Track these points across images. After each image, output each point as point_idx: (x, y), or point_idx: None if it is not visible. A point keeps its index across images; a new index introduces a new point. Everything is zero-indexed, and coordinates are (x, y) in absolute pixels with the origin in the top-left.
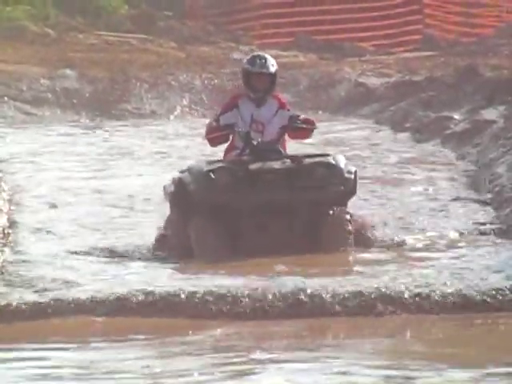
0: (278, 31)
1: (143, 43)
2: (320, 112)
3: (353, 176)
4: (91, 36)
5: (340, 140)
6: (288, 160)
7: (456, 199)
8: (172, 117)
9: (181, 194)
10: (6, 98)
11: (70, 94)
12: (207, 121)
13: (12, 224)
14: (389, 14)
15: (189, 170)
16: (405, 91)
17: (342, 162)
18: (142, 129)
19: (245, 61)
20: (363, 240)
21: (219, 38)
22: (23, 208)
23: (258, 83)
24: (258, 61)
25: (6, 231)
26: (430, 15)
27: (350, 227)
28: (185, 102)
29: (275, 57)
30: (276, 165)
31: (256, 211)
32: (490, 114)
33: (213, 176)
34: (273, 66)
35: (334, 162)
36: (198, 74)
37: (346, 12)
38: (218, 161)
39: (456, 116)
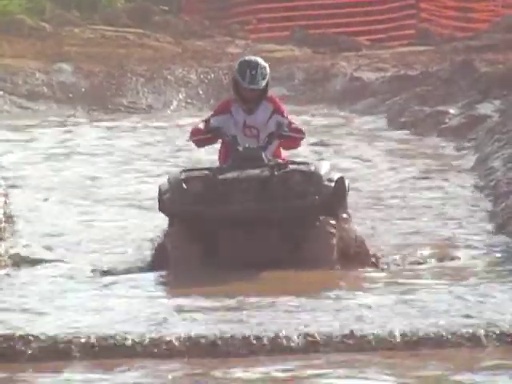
0: (273, 25)
1: (139, 37)
2: (315, 106)
3: (333, 184)
4: (87, 30)
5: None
6: (266, 168)
7: (451, 195)
8: (168, 111)
9: (159, 203)
10: (1, 92)
11: (66, 88)
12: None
13: (8, 219)
14: (384, 8)
15: (168, 178)
16: (400, 86)
17: (322, 169)
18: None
19: (236, 67)
20: (359, 258)
21: (215, 33)
22: (19, 202)
23: (248, 96)
24: (249, 73)
25: (1, 225)
26: (425, 9)
27: (332, 239)
28: (181, 97)
29: (271, 51)
30: (251, 173)
31: (229, 222)
32: (485, 108)
33: (185, 186)
34: (264, 78)
35: (312, 170)
36: (194, 69)
37: (341, 6)
38: (195, 169)
39: (451, 110)
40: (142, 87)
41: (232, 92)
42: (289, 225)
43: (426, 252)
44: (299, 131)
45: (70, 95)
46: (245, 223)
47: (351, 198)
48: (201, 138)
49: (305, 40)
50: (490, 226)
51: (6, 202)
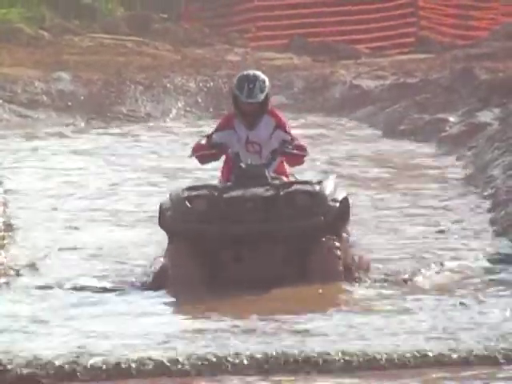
0: (272, 33)
1: (138, 45)
2: (315, 114)
3: (338, 204)
4: (86, 38)
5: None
6: (271, 187)
7: (450, 203)
8: (167, 119)
9: (161, 220)
10: (0, 101)
11: (65, 97)
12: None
13: (7, 227)
14: (384, 16)
15: (169, 195)
16: (400, 93)
17: (327, 188)
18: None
19: (234, 82)
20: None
21: (214, 41)
22: (19, 211)
23: (247, 110)
24: (247, 87)
25: (0, 233)
26: (425, 17)
27: (338, 262)
28: (180, 105)
29: (270, 59)
30: (257, 192)
31: (233, 242)
32: (485, 116)
33: (188, 204)
34: (262, 91)
35: (317, 189)
36: (194, 77)
37: (341, 14)
38: (198, 187)
39: (451, 118)
40: (140, 95)
41: (232, 107)
42: (293, 245)
43: (422, 265)
44: (303, 148)
45: (69, 103)
46: (249, 243)
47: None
48: (204, 153)
49: (304, 48)
50: (489, 234)
51: (5, 211)
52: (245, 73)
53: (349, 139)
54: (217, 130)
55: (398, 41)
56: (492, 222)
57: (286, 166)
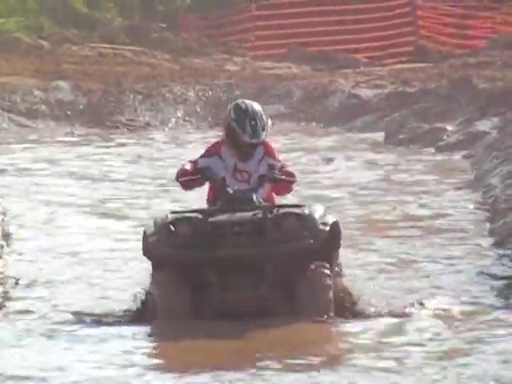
0: (271, 43)
1: (137, 55)
2: (313, 123)
3: (328, 228)
4: (85, 48)
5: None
6: (259, 210)
7: (449, 212)
8: (166, 128)
9: (145, 247)
10: None
11: (64, 106)
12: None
13: (5, 237)
14: (382, 25)
15: (154, 220)
16: (398, 102)
17: (317, 212)
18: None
19: (231, 114)
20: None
21: (213, 50)
22: (18, 221)
23: (245, 147)
24: (249, 125)
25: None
26: (423, 27)
27: (328, 291)
28: (179, 114)
29: (269, 68)
30: (243, 216)
31: (219, 267)
32: (483, 125)
33: (172, 228)
34: (263, 128)
35: (306, 213)
36: (192, 86)
37: (339, 23)
38: (184, 211)
39: (449, 127)
40: (139, 105)
41: (224, 137)
42: (281, 270)
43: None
44: (292, 175)
45: (68, 113)
46: (235, 268)
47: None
48: (190, 178)
49: (302, 57)
50: (488, 243)
51: (3, 220)
52: (242, 106)
53: (349, 148)
54: (203, 155)
55: (397, 50)
56: (491, 232)
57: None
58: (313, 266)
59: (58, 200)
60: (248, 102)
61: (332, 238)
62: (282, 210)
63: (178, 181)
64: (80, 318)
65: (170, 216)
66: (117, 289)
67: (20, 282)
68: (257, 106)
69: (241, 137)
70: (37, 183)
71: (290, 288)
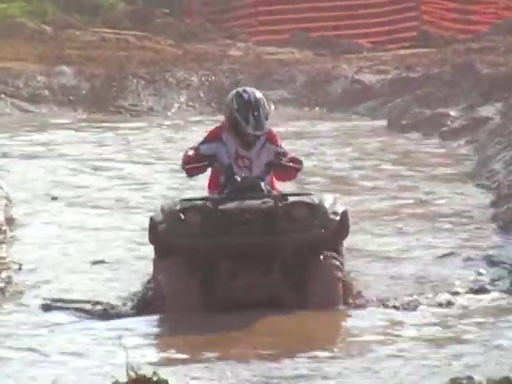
0: (274, 28)
1: (140, 40)
2: (316, 109)
3: (338, 217)
4: (88, 33)
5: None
6: (269, 199)
7: (452, 198)
8: (169, 113)
9: (153, 235)
10: (2, 95)
11: (67, 91)
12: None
13: (9, 221)
14: (386, 10)
15: (161, 207)
16: (401, 88)
17: (327, 201)
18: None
19: (234, 104)
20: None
21: (216, 35)
22: (20, 205)
23: (248, 137)
24: (252, 116)
25: (2, 228)
26: (426, 12)
27: (339, 276)
28: (182, 99)
29: (272, 53)
30: (253, 204)
31: (229, 256)
32: (486, 110)
33: (182, 216)
34: (267, 118)
35: (316, 202)
36: (195, 71)
37: (342, 9)
38: (192, 199)
39: (453, 113)
40: (142, 90)
41: (226, 125)
42: (292, 259)
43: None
44: (297, 161)
45: (71, 98)
46: (246, 257)
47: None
48: (193, 166)
49: (306, 42)
50: (491, 228)
51: (6, 205)
52: (244, 96)
53: (352, 134)
54: (204, 141)
55: (400, 35)
56: (494, 218)
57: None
58: (323, 256)
59: (63, 185)
60: (249, 90)
61: (341, 227)
62: (292, 199)
63: (183, 168)
64: (82, 307)
65: (179, 204)
66: (123, 276)
67: (23, 267)
68: (258, 94)
69: (244, 128)
70: (41, 168)
71: (300, 277)
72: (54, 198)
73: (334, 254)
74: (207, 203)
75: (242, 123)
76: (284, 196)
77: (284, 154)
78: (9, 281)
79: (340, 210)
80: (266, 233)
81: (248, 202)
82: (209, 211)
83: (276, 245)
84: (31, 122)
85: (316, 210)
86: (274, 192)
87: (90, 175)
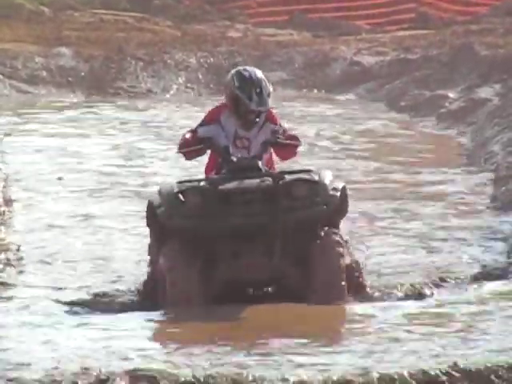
0: (273, 9)
1: (139, 22)
2: (315, 90)
3: (339, 193)
4: (87, 14)
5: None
6: (267, 178)
7: (450, 179)
8: (168, 95)
9: (151, 219)
10: (0, 77)
11: (66, 73)
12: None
13: (7, 202)
14: None
15: (159, 190)
16: (400, 69)
17: (326, 178)
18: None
19: (234, 82)
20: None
21: (215, 17)
22: (20, 186)
23: (250, 115)
24: (254, 93)
25: (1, 209)
26: None
27: (341, 252)
28: (180, 81)
29: (271, 35)
30: (253, 184)
31: (230, 236)
32: (485, 92)
33: (182, 198)
34: (268, 95)
35: (316, 179)
36: (194, 53)
37: None
38: (190, 180)
39: (451, 94)
40: (141, 71)
41: (228, 104)
42: (293, 238)
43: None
44: (295, 138)
45: (70, 79)
46: (248, 237)
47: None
48: (191, 149)
49: (304, 24)
50: (490, 210)
51: (5, 186)
52: (245, 74)
53: (350, 115)
54: (202, 124)
55: (399, 17)
56: (493, 199)
57: (275, 160)
58: (324, 233)
59: (63, 166)
60: (250, 69)
61: (342, 203)
62: (291, 177)
63: (180, 151)
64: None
65: (177, 186)
66: (124, 258)
67: (21, 248)
68: (259, 73)
69: (247, 105)
70: (40, 148)
71: (302, 257)
72: (60, 179)
73: (336, 231)
74: (206, 184)
75: (245, 101)
76: (283, 174)
77: (283, 131)
78: (7, 262)
79: (340, 185)
80: (267, 212)
81: (247, 182)
82: (208, 192)
83: (277, 224)
84: (30, 103)
85: (316, 186)
86: (274, 170)
87: (94, 155)
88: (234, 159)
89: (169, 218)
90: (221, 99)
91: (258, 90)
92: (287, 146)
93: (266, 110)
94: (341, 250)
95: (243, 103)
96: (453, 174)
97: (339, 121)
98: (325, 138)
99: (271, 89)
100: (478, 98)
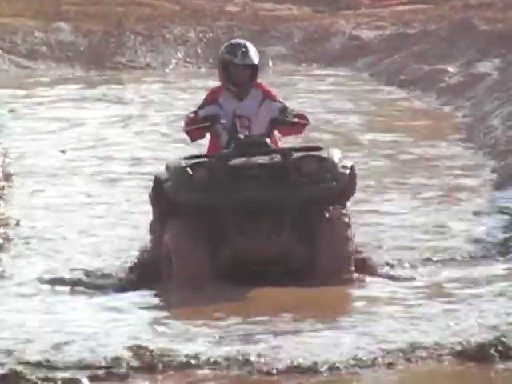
0: None
1: None
2: (314, 65)
3: (348, 171)
4: None
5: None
6: (276, 154)
7: (450, 154)
8: (167, 70)
9: (157, 194)
10: (0, 52)
11: (65, 47)
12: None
13: (7, 177)
14: None
15: (166, 165)
16: (399, 44)
17: (335, 155)
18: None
19: (222, 49)
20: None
21: None
22: (19, 162)
23: (240, 75)
24: (239, 52)
25: (1, 184)
26: None
27: (348, 230)
28: (179, 55)
29: (269, 10)
30: (261, 160)
31: (238, 212)
32: (484, 66)
33: (190, 172)
34: (255, 55)
35: (326, 156)
36: (193, 27)
37: None
38: (198, 156)
39: (450, 69)
40: (140, 46)
41: (220, 78)
42: (302, 214)
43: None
44: (304, 117)
45: (69, 54)
46: (256, 212)
47: None
48: (199, 126)
49: None
50: (489, 184)
51: (4, 161)
52: (232, 41)
53: (349, 89)
54: (202, 106)
55: None
56: (492, 173)
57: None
58: (332, 211)
59: (62, 142)
60: (241, 40)
61: (351, 181)
62: (300, 153)
63: (186, 129)
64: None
65: (185, 161)
66: (126, 236)
67: (21, 223)
68: (249, 44)
69: (232, 62)
70: (41, 123)
71: (309, 234)
72: (63, 152)
73: (344, 209)
74: (213, 159)
75: (230, 58)
76: (291, 150)
77: (292, 110)
78: (6, 237)
79: (349, 164)
80: (276, 187)
81: (256, 158)
82: (217, 167)
83: (287, 200)
84: (29, 78)
85: (326, 163)
86: (282, 147)
87: (95, 132)
88: (242, 136)
89: (176, 193)
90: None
91: (243, 50)
92: (295, 125)
93: (251, 64)
94: (348, 223)
95: (229, 63)
96: (451, 149)
97: (337, 95)
98: (325, 112)
99: (271, 63)
100: (477, 73)
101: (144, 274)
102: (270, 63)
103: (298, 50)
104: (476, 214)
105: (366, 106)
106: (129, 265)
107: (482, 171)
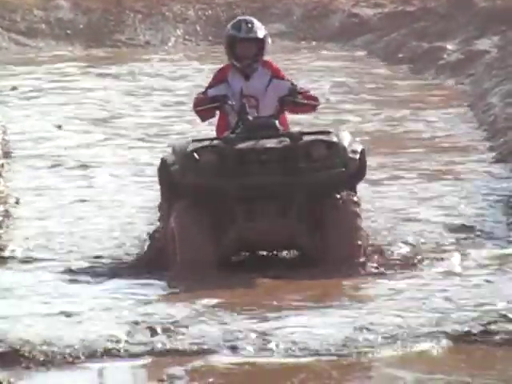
0: None
1: None
2: (313, 42)
3: (358, 156)
4: None
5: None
6: (285, 138)
7: (449, 131)
8: (166, 47)
9: (164, 177)
10: None
11: (64, 25)
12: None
13: (6, 155)
14: None
15: (173, 148)
16: (398, 22)
17: (345, 139)
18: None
19: (228, 27)
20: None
21: None
22: (18, 140)
23: (245, 50)
24: (244, 26)
25: (0, 162)
26: None
27: (357, 212)
28: (179, 33)
29: None
30: (270, 143)
31: (245, 196)
32: (483, 44)
33: (197, 156)
34: (261, 30)
35: (335, 140)
36: (192, 5)
37: None
38: (205, 139)
39: (449, 46)
40: (139, 24)
41: (227, 56)
42: (311, 199)
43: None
44: (314, 98)
45: (68, 32)
46: (263, 197)
47: None
48: (206, 107)
49: None
50: (488, 161)
51: (4, 139)
52: (240, 18)
53: (349, 67)
54: (210, 86)
55: None
56: (491, 151)
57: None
58: (342, 196)
59: (62, 119)
60: (248, 17)
61: (361, 166)
62: (310, 138)
63: (195, 109)
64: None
65: (192, 144)
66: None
67: (21, 201)
68: (256, 20)
69: (237, 36)
70: (41, 103)
71: (318, 219)
72: (58, 127)
73: (353, 193)
74: (221, 143)
75: (235, 33)
76: (301, 134)
77: (298, 90)
78: (6, 214)
79: (359, 148)
80: (285, 172)
81: (265, 141)
82: (224, 150)
83: (296, 185)
84: (29, 55)
85: (336, 148)
86: (295, 130)
87: (94, 108)
88: (250, 118)
89: (182, 176)
90: (220, 50)
91: (248, 25)
92: (305, 106)
93: (255, 38)
94: (357, 210)
95: (234, 38)
96: (450, 126)
97: (336, 73)
98: (325, 88)
99: (270, 41)
100: (476, 50)
101: (152, 259)
102: (270, 41)
103: (298, 28)
104: (474, 192)
105: (366, 82)
106: (140, 244)
107: (481, 148)
